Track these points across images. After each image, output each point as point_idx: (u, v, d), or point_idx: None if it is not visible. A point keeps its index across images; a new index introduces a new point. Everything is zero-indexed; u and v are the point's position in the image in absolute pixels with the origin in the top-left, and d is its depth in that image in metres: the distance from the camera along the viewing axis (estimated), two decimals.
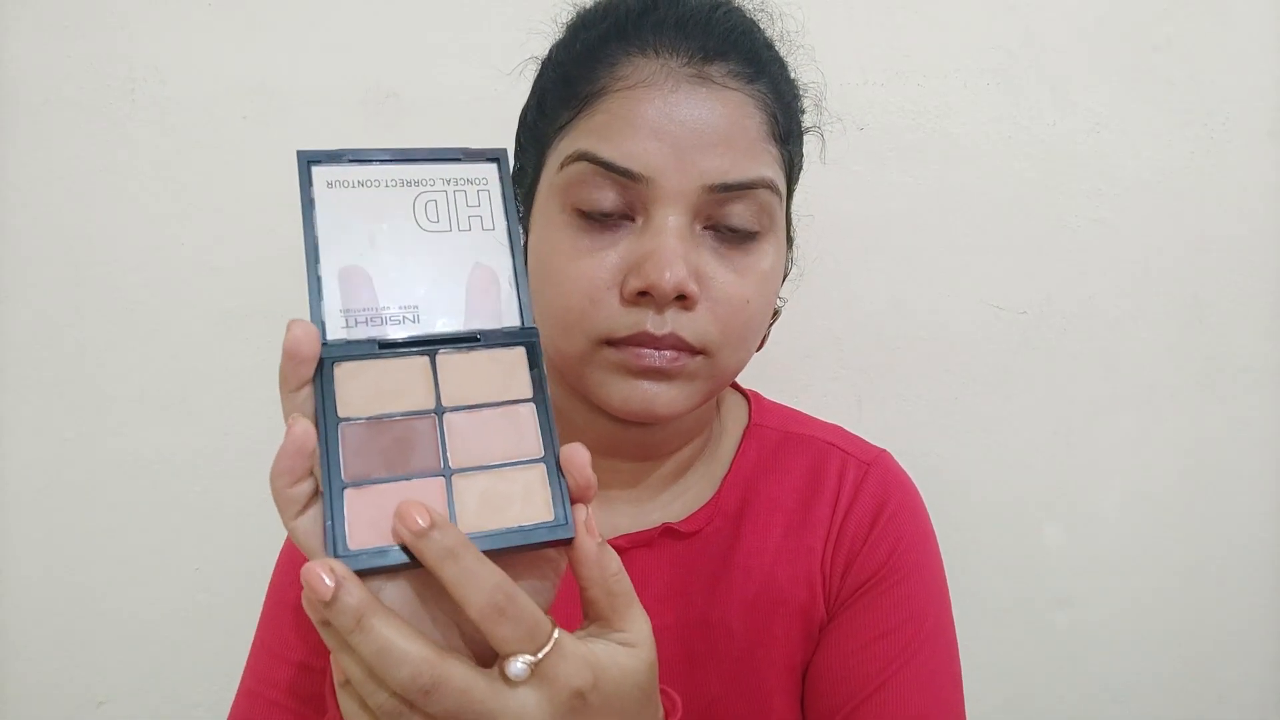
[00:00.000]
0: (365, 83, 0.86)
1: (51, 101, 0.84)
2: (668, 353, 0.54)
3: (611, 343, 0.54)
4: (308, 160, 0.44)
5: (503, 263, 0.46)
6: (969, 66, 0.87)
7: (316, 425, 0.40)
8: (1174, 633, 0.96)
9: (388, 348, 0.43)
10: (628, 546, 0.63)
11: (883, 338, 0.91)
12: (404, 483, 0.41)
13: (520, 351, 0.45)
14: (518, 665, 0.37)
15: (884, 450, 0.70)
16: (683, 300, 0.53)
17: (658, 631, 0.60)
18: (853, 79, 0.87)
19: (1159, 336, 0.91)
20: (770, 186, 0.55)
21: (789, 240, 0.62)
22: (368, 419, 0.41)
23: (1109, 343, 0.91)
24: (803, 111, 0.61)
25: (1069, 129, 0.87)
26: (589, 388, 0.57)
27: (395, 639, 0.36)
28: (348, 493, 0.40)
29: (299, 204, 0.47)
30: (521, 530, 0.41)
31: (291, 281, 0.95)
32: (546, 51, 0.60)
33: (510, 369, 0.45)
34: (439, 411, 0.43)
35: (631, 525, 0.64)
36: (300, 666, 0.62)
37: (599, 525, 0.64)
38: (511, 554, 0.41)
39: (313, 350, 0.40)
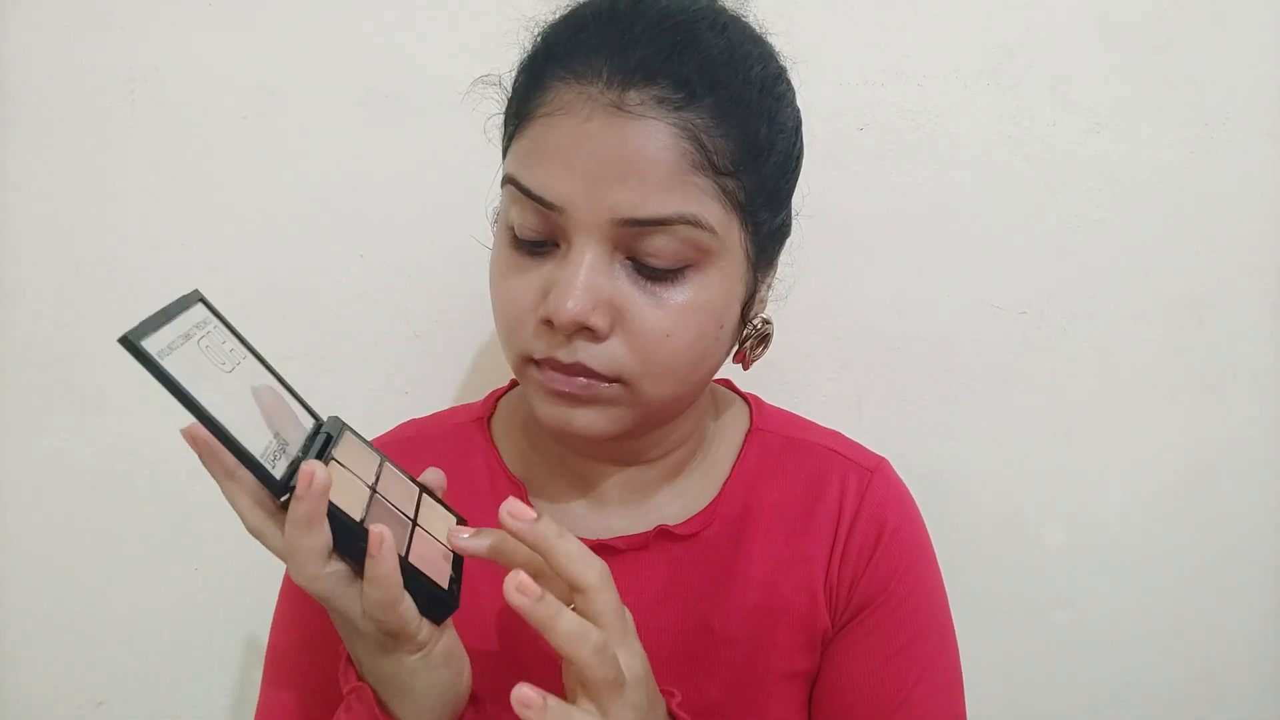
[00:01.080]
0: (365, 83, 0.85)
1: (51, 101, 0.84)
2: (578, 379, 0.54)
3: (533, 361, 0.55)
4: (135, 340, 0.42)
5: (270, 381, 0.50)
6: (969, 66, 0.87)
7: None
8: (1175, 633, 0.96)
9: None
10: (623, 549, 0.62)
11: (883, 338, 0.91)
12: (412, 540, 0.51)
13: (349, 432, 0.54)
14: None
15: (883, 458, 0.70)
16: (589, 331, 0.52)
17: (655, 634, 0.61)
18: (853, 79, 0.86)
19: (1159, 336, 0.91)
20: (691, 221, 0.51)
21: (761, 263, 0.59)
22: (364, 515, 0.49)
23: (1109, 343, 0.91)
24: (782, 124, 0.56)
25: (1069, 129, 0.87)
26: (528, 400, 0.58)
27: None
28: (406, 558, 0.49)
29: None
30: (432, 581, 0.50)
31: (292, 282, 0.95)
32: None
33: (358, 445, 0.54)
34: (375, 490, 0.52)
35: (627, 528, 0.64)
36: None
37: (594, 527, 0.65)
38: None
39: (330, 482, 0.46)
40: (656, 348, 0.53)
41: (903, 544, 0.65)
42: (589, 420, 0.55)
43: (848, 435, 0.72)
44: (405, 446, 0.69)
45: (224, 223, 0.87)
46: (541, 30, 0.57)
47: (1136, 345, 0.91)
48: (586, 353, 0.53)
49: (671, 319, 0.53)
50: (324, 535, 0.46)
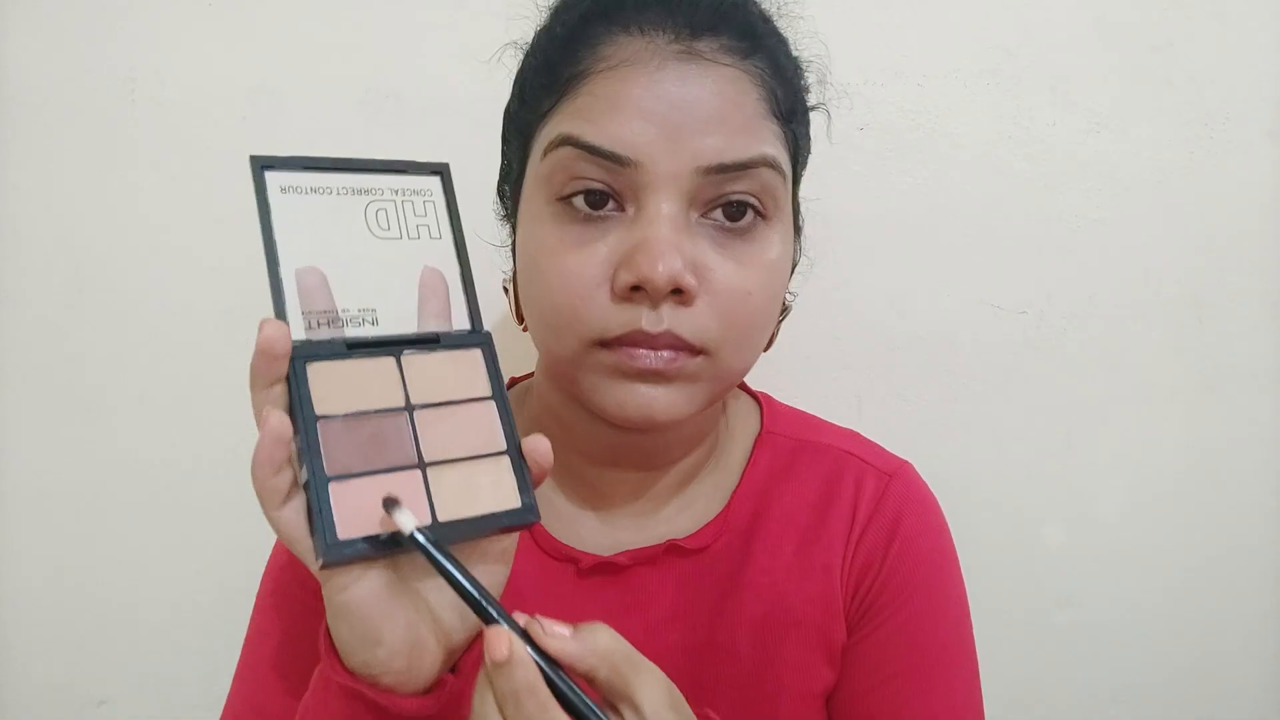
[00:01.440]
0: (365, 83, 0.86)
1: (51, 101, 0.84)
2: (665, 353, 0.50)
3: (604, 343, 0.51)
4: (261, 165, 0.44)
5: (451, 269, 0.48)
6: (969, 66, 0.87)
7: (294, 421, 0.42)
8: (1175, 633, 0.96)
9: (355, 348, 0.44)
10: (629, 564, 0.60)
11: (883, 338, 0.90)
12: (384, 475, 0.43)
13: (477, 353, 0.48)
14: None
15: (906, 461, 0.66)
16: (679, 294, 0.49)
17: (661, 654, 0.59)
18: (853, 79, 0.86)
19: (1159, 336, 0.91)
20: (772, 165, 0.51)
21: (797, 229, 0.59)
22: (344, 416, 0.43)
23: (1109, 343, 0.91)
24: (807, 90, 0.57)
25: (1069, 129, 0.87)
26: (583, 392, 0.53)
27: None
28: (332, 486, 0.42)
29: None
30: (494, 516, 0.45)
31: None
32: (530, 38, 0.58)
33: (470, 369, 0.47)
34: (409, 408, 0.45)
35: (635, 540, 0.61)
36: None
37: (601, 540, 0.63)
38: (481, 538, 0.45)
39: (285, 348, 0.41)
40: (739, 307, 0.51)
41: (919, 553, 0.62)
42: (671, 401, 0.51)
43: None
44: None
45: (224, 223, 0.87)
46: None
47: (1136, 345, 0.91)
48: (675, 319, 0.49)
49: (754, 277, 0.51)
50: (270, 398, 0.41)
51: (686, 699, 0.59)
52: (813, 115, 0.59)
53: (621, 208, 0.51)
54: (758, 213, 0.52)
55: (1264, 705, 0.97)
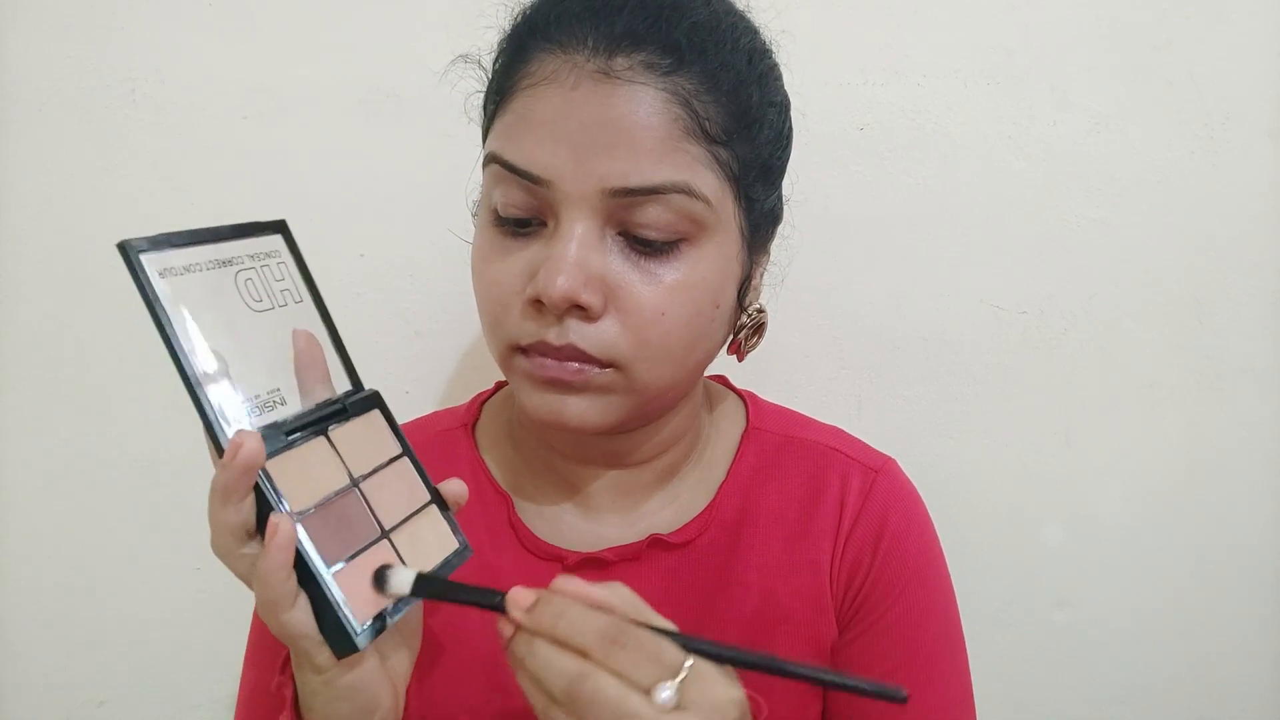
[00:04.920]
0: (365, 83, 0.85)
1: (51, 101, 0.84)
2: (570, 364, 0.51)
3: (521, 349, 0.53)
4: (134, 250, 0.40)
5: (320, 331, 0.48)
6: (969, 66, 0.87)
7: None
8: (1175, 633, 0.96)
9: (290, 434, 0.44)
10: (614, 560, 0.60)
11: (883, 338, 0.91)
12: (362, 555, 0.44)
13: (376, 413, 0.50)
14: (665, 693, 0.39)
15: (890, 458, 0.67)
16: (581, 310, 0.50)
17: None
18: (853, 79, 0.86)
19: (1159, 336, 0.91)
20: (685, 190, 0.50)
21: (755, 244, 0.58)
22: (315, 507, 0.43)
23: (1109, 343, 0.91)
24: (772, 98, 0.55)
25: (1069, 129, 0.87)
26: (515, 394, 0.56)
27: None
28: (336, 577, 0.43)
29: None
30: (446, 562, 0.48)
31: None
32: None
33: (377, 430, 0.49)
34: (355, 483, 0.46)
35: (620, 537, 0.61)
36: None
37: (586, 537, 0.63)
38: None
39: (264, 458, 0.41)
40: (651, 327, 0.51)
41: (907, 549, 0.62)
42: (581, 409, 0.53)
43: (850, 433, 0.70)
44: None
45: (223, 223, 0.87)
46: (522, 7, 0.56)
47: (1136, 345, 0.91)
48: (579, 334, 0.50)
49: (666, 296, 0.51)
50: (243, 512, 0.42)
51: None
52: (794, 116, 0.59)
53: (544, 222, 0.52)
54: (669, 236, 0.51)
55: (1264, 705, 0.97)
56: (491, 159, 0.52)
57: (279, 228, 0.47)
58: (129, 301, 0.93)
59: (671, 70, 0.49)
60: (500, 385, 0.72)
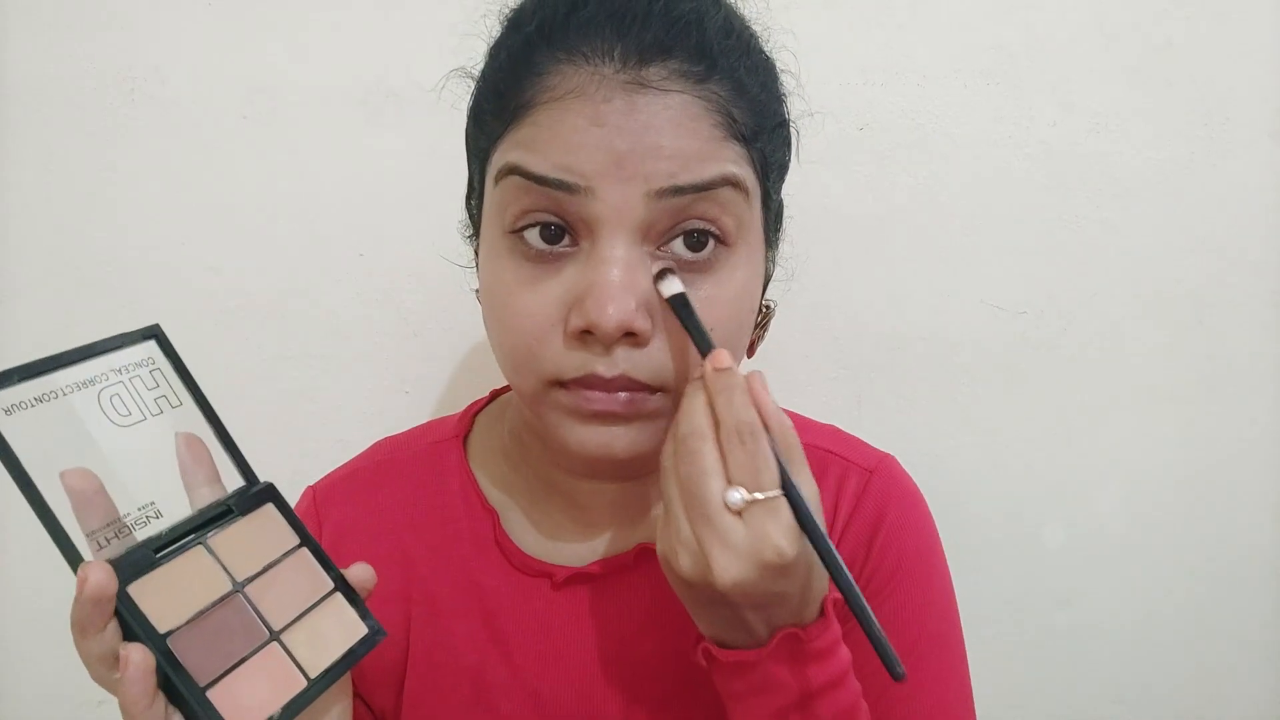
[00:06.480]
0: (365, 83, 0.85)
1: (51, 101, 0.84)
2: (621, 395, 0.49)
3: (562, 384, 0.49)
4: None
5: (204, 430, 0.47)
6: (969, 66, 0.87)
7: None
8: (1175, 633, 0.96)
9: (159, 550, 0.43)
10: (603, 573, 0.59)
11: (883, 338, 0.90)
12: (248, 662, 0.44)
13: (270, 507, 0.49)
14: (735, 495, 0.44)
15: (888, 455, 0.66)
16: (632, 337, 0.48)
17: (636, 665, 0.57)
18: (853, 79, 0.86)
19: (1159, 336, 0.91)
20: (735, 183, 0.48)
21: (772, 242, 0.57)
22: (187, 623, 0.43)
23: (1109, 342, 0.91)
24: (781, 97, 0.55)
25: (1069, 129, 0.87)
26: (547, 429, 0.52)
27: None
28: (211, 695, 0.42)
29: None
30: (351, 651, 0.47)
31: (291, 281, 0.95)
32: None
33: (271, 524, 0.49)
34: (239, 588, 0.45)
35: (613, 549, 0.61)
36: None
37: (580, 552, 0.62)
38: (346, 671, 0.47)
39: (115, 587, 0.40)
40: None
41: (904, 543, 0.61)
42: (632, 439, 0.50)
43: (848, 432, 0.69)
44: (376, 473, 0.65)
45: (223, 222, 0.87)
46: (513, 12, 0.53)
47: (1136, 345, 0.91)
48: (630, 362, 0.48)
49: (713, 312, 0.49)
50: (104, 642, 0.41)
51: (669, 704, 0.58)
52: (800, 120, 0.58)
53: (575, 242, 0.49)
54: (719, 240, 0.49)
55: (1264, 706, 0.97)
56: (511, 171, 0.48)
57: (151, 333, 0.47)
58: (129, 301, 0.93)
59: (703, 78, 0.48)
60: (495, 395, 0.69)
